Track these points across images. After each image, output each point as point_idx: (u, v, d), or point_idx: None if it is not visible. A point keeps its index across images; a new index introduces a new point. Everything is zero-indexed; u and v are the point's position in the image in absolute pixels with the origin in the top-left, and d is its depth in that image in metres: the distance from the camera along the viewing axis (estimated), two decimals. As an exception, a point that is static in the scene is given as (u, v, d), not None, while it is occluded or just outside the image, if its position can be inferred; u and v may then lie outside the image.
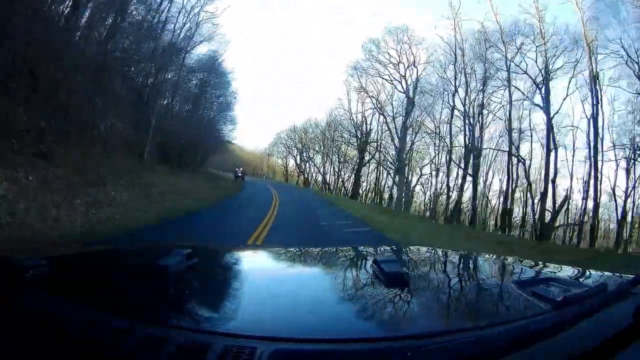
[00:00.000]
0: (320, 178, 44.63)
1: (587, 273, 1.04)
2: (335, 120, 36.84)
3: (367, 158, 34.28)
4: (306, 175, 47.26)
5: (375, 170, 35.30)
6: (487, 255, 1.36)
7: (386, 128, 29.51)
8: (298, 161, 49.20)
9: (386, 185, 34.92)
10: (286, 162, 54.93)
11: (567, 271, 1.12)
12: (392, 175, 29.54)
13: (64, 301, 0.66)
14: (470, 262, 1.30)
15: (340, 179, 40.71)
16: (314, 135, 44.74)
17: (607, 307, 0.67)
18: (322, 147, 43.22)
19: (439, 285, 0.99)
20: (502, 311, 0.81)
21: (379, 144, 32.41)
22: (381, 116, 30.19)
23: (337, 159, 41.46)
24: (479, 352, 0.54)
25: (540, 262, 1.24)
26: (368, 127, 33.65)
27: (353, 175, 36.33)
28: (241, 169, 34.98)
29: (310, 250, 1.39)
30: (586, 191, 17.46)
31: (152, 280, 0.84)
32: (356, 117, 34.32)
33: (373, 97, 29.36)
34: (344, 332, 0.62)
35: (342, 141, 37.71)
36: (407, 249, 1.69)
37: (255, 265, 1.20)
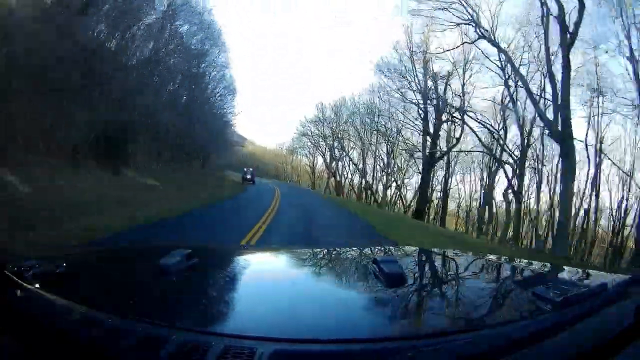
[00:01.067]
0: (358, 180, 31.06)
1: (587, 273, 1.04)
2: (387, 82, 22.25)
3: (440, 147, 20.77)
4: (338, 178, 35.06)
5: (445, 169, 21.49)
6: (487, 256, 1.36)
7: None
8: (328, 159, 36.17)
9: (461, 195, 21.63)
10: (313, 161, 41.69)
11: (567, 271, 1.12)
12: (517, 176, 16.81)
13: (64, 301, 0.66)
14: (471, 262, 1.30)
15: (393, 181, 26.32)
16: (349, 118, 31.10)
17: (607, 307, 0.66)
18: (363, 133, 28.85)
19: (439, 285, 0.99)
20: (502, 311, 0.81)
21: (462, 112, 17.90)
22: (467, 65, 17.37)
23: (387, 150, 26.28)
24: (479, 352, 0.54)
25: (539, 263, 1.24)
26: (442, 93, 19.62)
27: (417, 178, 22.36)
28: (251, 169, 29.14)
29: (310, 251, 1.39)
30: None
31: (152, 280, 0.84)
32: (425, 78, 19.45)
33: (470, 22, 15.18)
34: (344, 333, 0.62)
35: (391, 112, 22.51)
36: (407, 249, 1.69)
37: (256, 265, 1.20)
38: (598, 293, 0.72)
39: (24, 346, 0.55)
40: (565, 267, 1.18)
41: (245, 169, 28.97)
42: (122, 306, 0.68)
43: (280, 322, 0.66)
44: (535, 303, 0.72)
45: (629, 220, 16.65)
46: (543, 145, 18.47)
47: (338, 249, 1.42)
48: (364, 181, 30.18)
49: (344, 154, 33.30)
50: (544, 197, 18.92)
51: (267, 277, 1.02)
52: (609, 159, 17.06)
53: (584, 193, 17.61)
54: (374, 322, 0.72)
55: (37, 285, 0.69)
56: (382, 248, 1.43)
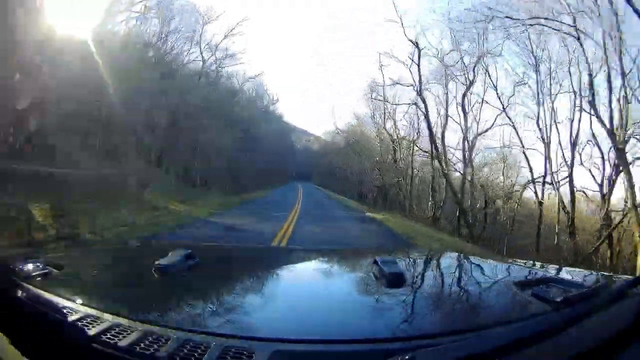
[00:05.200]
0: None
1: (587, 273, 1.04)
2: None
3: None
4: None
5: None
6: (487, 257, 1.36)
7: None
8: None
9: None
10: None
11: (567, 271, 1.12)
12: None
13: (64, 301, 0.66)
14: (471, 263, 1.30)
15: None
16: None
17: (607, 307, 0.66)
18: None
19: (439, 286, 0.99)
20: (502, 311, 0.81)
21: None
22: None
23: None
24: (479, 352, 0.54)
25: (540, 263, 1.24)
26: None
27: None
28: None
29: (310, 251, 1.40)
30: None
31: (152, 280, 0.84)
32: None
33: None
34: (344, 333, 0.62)
35: None
36: (408, 250, 1.69)
37: (255, 266, 1.20)
38: (598, 293, 0.72)
39: (24, 346, 0.55)
40: (565, 268, 1.18)
41: None
42: (122, 306, 0.68)
43: (280, 322, 0.66)
44: (535, 303, 0.72)
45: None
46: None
47: (338, 250, 1.42)
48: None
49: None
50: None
51: (267, 278, 1.02)
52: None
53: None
54: (374, 322, 0.72)
55: (37, 285, 0.69)
56: (383, 249, 1.43)
